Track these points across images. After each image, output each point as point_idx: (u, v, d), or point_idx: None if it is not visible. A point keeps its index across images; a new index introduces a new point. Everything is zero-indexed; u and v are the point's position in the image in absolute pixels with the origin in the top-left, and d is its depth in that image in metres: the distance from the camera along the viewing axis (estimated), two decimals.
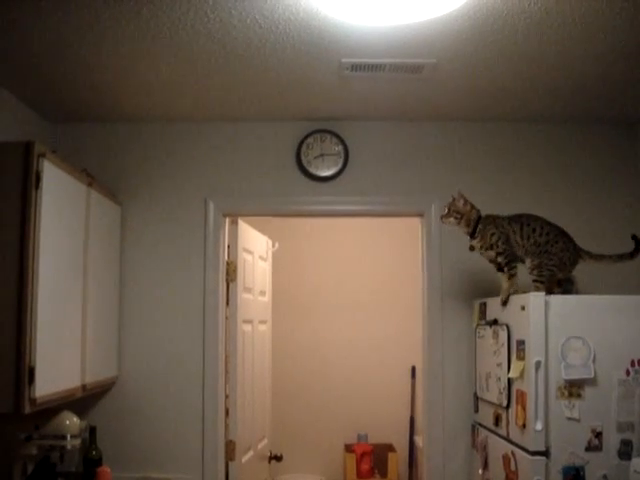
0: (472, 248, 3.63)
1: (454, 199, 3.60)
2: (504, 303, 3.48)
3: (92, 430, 3.85)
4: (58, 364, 3.23)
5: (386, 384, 6.19)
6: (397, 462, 5.88)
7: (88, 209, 3.59)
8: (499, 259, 3.53)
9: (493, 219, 3.57)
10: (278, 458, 5.02)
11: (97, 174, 3.96)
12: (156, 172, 4.20)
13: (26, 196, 2.97)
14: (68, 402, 3.41)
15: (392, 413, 6.16)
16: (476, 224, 3.58)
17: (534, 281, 3.42)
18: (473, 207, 3.60)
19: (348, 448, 5.98)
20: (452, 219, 3.59)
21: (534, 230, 3.49)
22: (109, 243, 3.96)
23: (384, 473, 5.86)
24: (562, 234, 3.51)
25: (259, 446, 4.75)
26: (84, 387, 3.53)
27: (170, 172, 4.20)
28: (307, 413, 6.18)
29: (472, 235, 3.59)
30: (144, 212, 4.18)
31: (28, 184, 2.97)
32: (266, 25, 2.91)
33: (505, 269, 3.51)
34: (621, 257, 3.50)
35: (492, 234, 3.52)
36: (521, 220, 3.54)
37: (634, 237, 3.49)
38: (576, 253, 3.51)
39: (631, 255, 3.48)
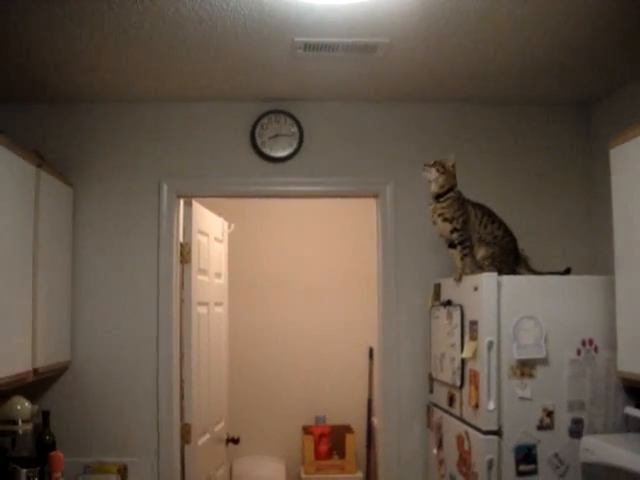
0: (434, 210, 3.62)
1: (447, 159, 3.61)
2: (458, 280, 3.51)
3: (45, 415, 3.79)
4: (7, 348, 3.16)
5: (344, 366, 6.18)
6: (355, 443, 5.89)
7: (37, 191, 3.51)
8: (454, 235, 3.54)
9: (461, 196, 3.58)
10: (235, 441, 5.02)
11: (48, 155, 3.86)
12: (108, 153, 4.14)
13: None
14: (19, 387, 3.36)
15: (350, 395, 6.16)
16: (447, 192, 3.57)
17: (486, 267, 3.44)
18: (455, 178, 3.60)
19: (306, 430, 5.98)
20: (434, 170, 3.57)
21: (493, 222, 3.56)
22: (60, 225, 3.89)
23: (342, 454, 5.88)
24: (512, 236, 3.59)
25: (216, 429, 4.73)
26: (36, 371, 3.47)
27: (122, 153, 4.14)
28: (265, 395, 6.16)
29: (438, 197, 3.58)
30: (96, 194, 4.11)
31: None
32: (217, 3, 2.87)
33: (458, 247, 3.53)
34: (551, 274, 3.53)
35: (457, 209, 3.53)
36: (483, 209, 3.59)
37: (567, 270, 3.58)
38: (518, 257, 3.60)
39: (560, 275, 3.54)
